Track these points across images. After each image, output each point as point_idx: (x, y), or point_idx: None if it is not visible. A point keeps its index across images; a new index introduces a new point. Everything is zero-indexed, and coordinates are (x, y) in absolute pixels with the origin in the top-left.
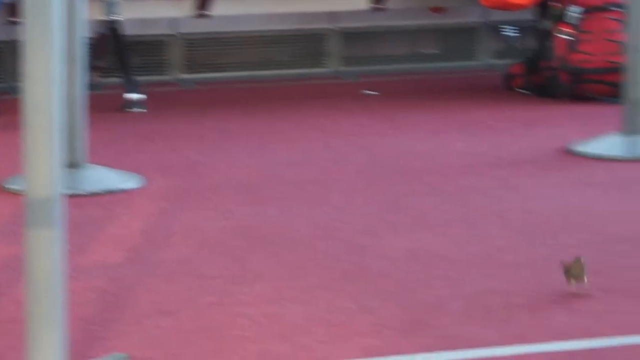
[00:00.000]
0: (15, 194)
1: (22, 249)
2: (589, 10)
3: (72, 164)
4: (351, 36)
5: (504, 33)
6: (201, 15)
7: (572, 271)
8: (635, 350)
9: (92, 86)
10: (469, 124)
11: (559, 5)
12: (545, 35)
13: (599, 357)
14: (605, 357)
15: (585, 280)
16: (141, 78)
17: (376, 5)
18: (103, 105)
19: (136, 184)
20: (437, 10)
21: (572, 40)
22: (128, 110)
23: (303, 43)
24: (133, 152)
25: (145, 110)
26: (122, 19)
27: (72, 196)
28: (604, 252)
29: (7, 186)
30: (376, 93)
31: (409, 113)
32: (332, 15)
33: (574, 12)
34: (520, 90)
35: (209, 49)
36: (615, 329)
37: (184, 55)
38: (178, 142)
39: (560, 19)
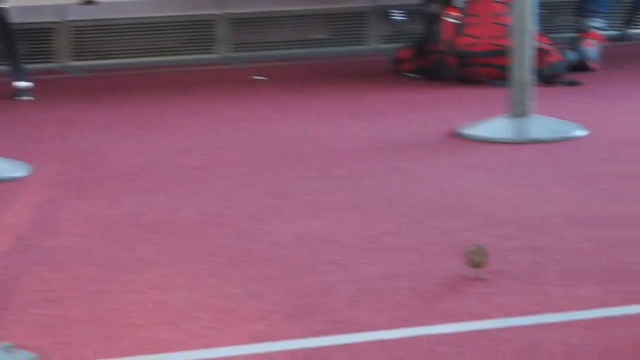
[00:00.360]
0: None
1: None
2: None
3: None
4: (239, 22)
5: (392, 17)
6: (88, 2)
7: (473, 258)
8: (520, 331)
9: None
10: (357, 109)
11: None
12: (433, 19)
13: (486, 339)
14: (492, 338)
15: (483, 268)
16: (29, 66)
17: None
18: None
19: (25, 172)
20: None
21: (459, 23)
22: (16, 98)
23: (191, 29)
24: (21, 140)
25: (33, 98)
26: (7, 7)
27: None
28: (491, 234)
29: None
30: (265, 78)
31: (298, 98)
32: (220, 1)
33: None
34: (409, 74)
35: (97, 36)
36: (501, 311)
37: (72, 42)
38: (67, 129)
39: (447, 2)
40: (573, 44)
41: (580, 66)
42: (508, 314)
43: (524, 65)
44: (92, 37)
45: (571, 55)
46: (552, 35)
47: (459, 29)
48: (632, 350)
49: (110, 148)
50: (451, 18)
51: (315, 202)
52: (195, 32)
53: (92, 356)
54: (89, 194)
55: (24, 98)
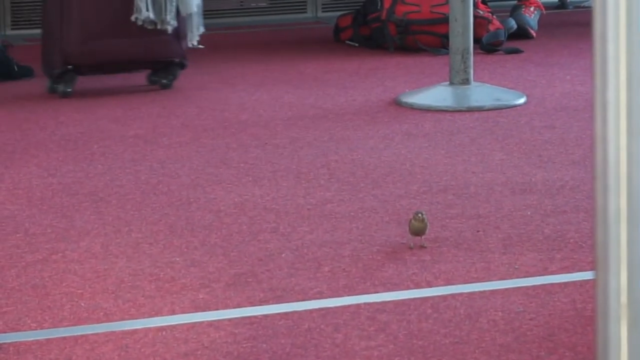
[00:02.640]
0: None
1: None
2: None
3: None
4: None
5: None
6: None
7: (414, 225)
8: (462, 299)
9: None
10: (297, 77)
11: None
12: None
13: (427, 306)
14: (433, 306)
15: (423, 236)
16: None
17: None
18: None
19: None
20: None
21: None
22: None
23: None
24: None
25: None
26: None
27: None
28: (432, 202)
29: None
30: (202, 47)
31: (237, 66)
32: None
33: None
34: (349, 43)
35: (37, 4)
36: (443, 278)
37: (10, 11)
38: (3, 98)
39: None
40: (513, 12)
41: (521, 34)
42: (449, 281)
43: (464, 33)
44: (35, 4)
45: (511, 23)
46: (492, 3)
47: None
48: (572, 317)
49: (46, 117)
50: None
51: (255, 170)
52: None
53: (32, 326)
54: (24, 163)
55: None
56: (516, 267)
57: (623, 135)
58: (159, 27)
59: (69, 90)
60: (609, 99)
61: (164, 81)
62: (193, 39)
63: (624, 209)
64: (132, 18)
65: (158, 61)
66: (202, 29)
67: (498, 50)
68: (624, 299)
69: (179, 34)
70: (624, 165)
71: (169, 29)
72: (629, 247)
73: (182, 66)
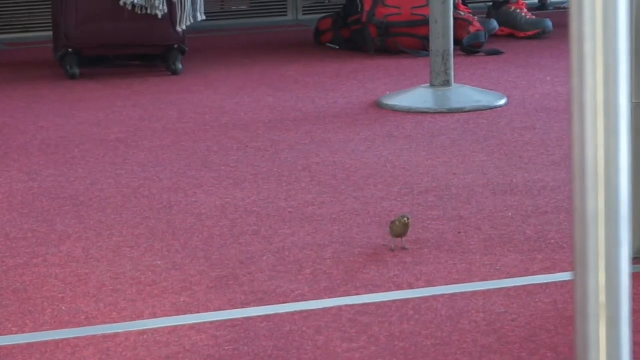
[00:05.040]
0: None
1: None
2: None
3: None
4: None
5: None
6: None
7: (396, 228)
8: (443, 300)
9: None
10: (278, 80)
11: None
12: None
13: (408, 308)
14: (415, 308)
15: (404, 239)
16: None
17: None
18: None
19: None
20: None
21: None
22: None
23: None
24: None
25: None
26: None
27: None
28: (413, 204)
29: None
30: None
31: (219, 69)
32: None
33: None
34: (330, 45)
35: (18, 9)
36: (424, 280)
37: None
38: None
39: None
40: (494, 11)
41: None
42: (430, 283)
43: (444, 35)
44: (14, 9)
45: (492, 25)
46: (472, 5)
47: None
48: (553, 317)
49: (27, 121)
50: None
51: (236, 173)
52: None
53: (13, 330)
54: (5, 167)
55: None
56: (497, 268)
57: (600, 135)
58: (149, 12)
59: (76, 72)
60: (585, 98)
61: (173, 66)
62: (182, 24)
63: (602, 209)
64: (121, 3)
65: (155, 45)
66: (201, 17)
67: (479, 51)
68: (602, 298)
69: (175, 19)
70: (601, 165)
71: (159, 14)
72: (607, 246)
73: (181, 51)
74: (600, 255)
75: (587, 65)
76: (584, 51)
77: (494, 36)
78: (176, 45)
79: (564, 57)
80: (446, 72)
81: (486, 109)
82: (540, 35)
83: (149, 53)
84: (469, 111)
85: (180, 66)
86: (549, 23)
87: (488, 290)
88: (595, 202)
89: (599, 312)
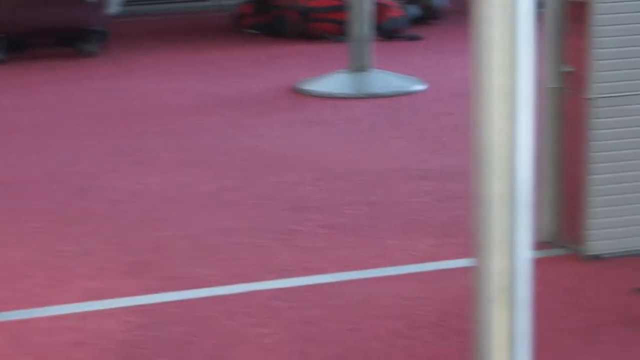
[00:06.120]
0: None
1: None
2: None
3: None
4: None
5: None
6: None
7: None
8: (356, 285)
9: None
10: (198, 65)
11: None
12: None
13: (320, 292)
14: (327, 292)
15: None
16: None
17: None
18: None
19: None
20: None
21: None
22: None
23: None
24: None
25: None
26: None
27: None
28: (329, 189)
29: None
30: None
31: (140, 55)
32: None
33: None
34: (250, 30)
35: None
36: (337, 265)
37: None
38: None
39: None
40: None
41: (425, 19)
42: (343, 268)
43: (362, 20)
44: None
45: (413, 10)
46: None
47: None
48: (463, 302)
49: None
50: None
51: (153, 159)
52: None
53: None
54: None
55: None
56: (411, 253)
57: (500, 120)
58: None
59: (2, 57)
60: (485, 83)
61: (88, 48)
62: (112, 7)
63: (501, 194)
64: None
65: (80, 29)
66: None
67: (398, 37)
68: (502, 282)
69: (102, 4)
70: (501, 150)
71: None
72: (507, 231)
73: (104, 35)
74: (500, 240)
75: (486, 49)
76: (484, 35)
77: (414, 22)
78: (99, 30)
79: None
80: (365, 57)
81: (404, 94)
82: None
83: (72, 36)
84: (387, 96)
85: (97, 49)
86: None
87: (400, 275)
88: (495, 187)
89: (499, 296)
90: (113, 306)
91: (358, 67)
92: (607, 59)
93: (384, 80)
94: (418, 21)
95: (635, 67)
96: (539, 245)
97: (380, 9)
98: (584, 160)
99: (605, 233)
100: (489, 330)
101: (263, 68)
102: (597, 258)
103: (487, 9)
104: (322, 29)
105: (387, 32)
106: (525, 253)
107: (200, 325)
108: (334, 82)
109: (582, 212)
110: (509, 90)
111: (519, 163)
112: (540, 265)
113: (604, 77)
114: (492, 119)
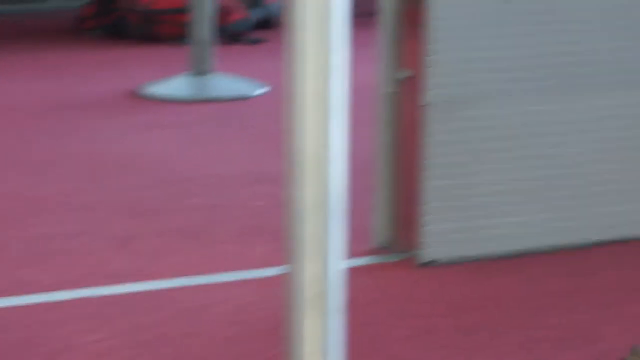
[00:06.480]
0: None
1: None
2: None
3: None
4: None
5: None
6: None
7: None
8: (191, 290)
9: None
10: (37, 67)
11: None
12: None
13: (155, 298)
14: (161, 298)
15: None
16: None
17: None
18: None
19: None
20: None
21: None
22: None
23: None
24: None
25: None
26: None
27: None
28: (167, 193)
29: None
30: None
31: None
32: None
33: None
34: (91, 32)
35: None
36: (172, 270)
37: None
38: None
39: None
40: (257, 2)
41: (266, 23)
42: (179, 273)
43: (203, 22)
44: None
45: (256, 13)
46: None
47: None
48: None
49: None
50: None
51: None
52: None
53: None
54: None
55: None
56: (247, 258)
57: (311, 126)
58: None
59: None
60: (297, 88)
61: None
62: None
63: (316, 200)
64: None
65: None
66: None
67: (241, 40)
68: (316, 289)
69: None
70: (313, 156)
71: None
72: (321, 238)
73: None
74: (312, 247)
75: (300, 54)
76: (297, 40)
77: (258, 25)
78: None
79: None
80: (206, 61)
81: (246, 98)
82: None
83: None
84: (228, 100)
85: None
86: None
87: (237, 281)
88: (307, 193)
89: (311, 303)
90: None
91: (199, 70)
92: (443, 65)
93: (225, 83)
94: (262, 25)
95: (472, 73)
96: (374, 251)
97: (223, 11)
98: (418, 166)
99: (440, 239)
100: (301, 337)
101: (104, 71)
102: (432, 264)
103: (301, 13)
104: (165, 31)
105: (230, 35)
106: (338, 260)
107: (31, 333)
108: (175, 86)
109: (417, 218)
110: (322, 96)
111: (332, 169)
112: (373, 271)
113: (440, 83)
114: (305, 124)
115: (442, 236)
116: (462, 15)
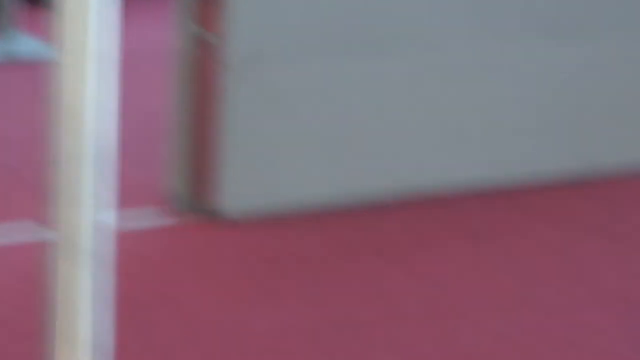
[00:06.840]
0: None
1: None
2: None
3: None
4: None
5: None
6: None
7: None
8: None
9: None
10: None
11: None
12: None
13: None
14: None
15: None
16: None
17: None
18: None
19: None
20: None
21: None
22: None
23: None
24: None
25: None
26: None
27: None
28: None
29: None
30: None
31: None
32: None
33: None
34: None
35: None
36: None
37: None
38: None
39: None
40: None
41: None
42: None
43: None
44: None
45: None
46: None
47: None
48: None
49: None
50: None
51: None
52: None
53: None
54: None
55: None
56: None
57: (75, 78)
58: None
59: None
60: (69, 44)
61: None
62: None
63: (74, 152)
64: None
65: None
66: None
67: None
68: (79, 241)
69: None
70: (78, 108)
71: None
72: (82, 188)
73: None
74: (75, 198)
75: (65, 9)
76: None
77: None
78: None
79: None
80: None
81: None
82: None
83: None
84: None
85: None
86: None
87: None
88: (66, 145)
89: (75, 255)
90: None
91: None
92: (242, 26)
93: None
94: None
95: (272, 34)
96: (170, 209)
97: None
98: (217, 124)
99: (239, 195)
100: (69, 288)
101: None
102: (230, 220)
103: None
104: None
105: None
106: (101, 211)
107: None
108: None
109: (216, 175)
110: (81, 48)
111: (92, 121)
112: (170, 230)
113: (240, 44)
114: (64, 76)
115: (241, 192)
116: None
